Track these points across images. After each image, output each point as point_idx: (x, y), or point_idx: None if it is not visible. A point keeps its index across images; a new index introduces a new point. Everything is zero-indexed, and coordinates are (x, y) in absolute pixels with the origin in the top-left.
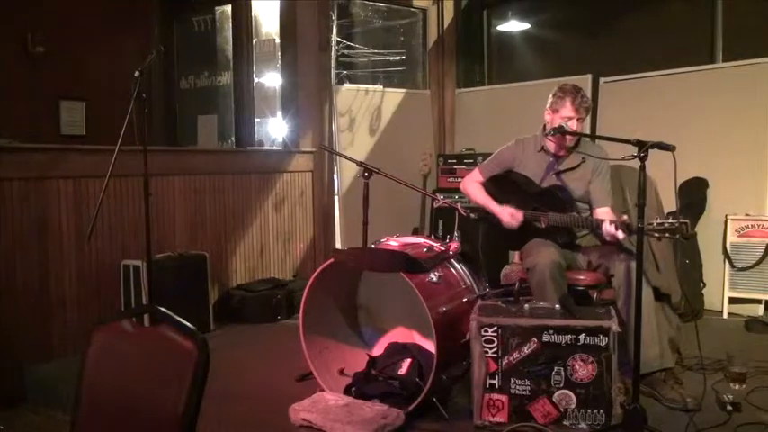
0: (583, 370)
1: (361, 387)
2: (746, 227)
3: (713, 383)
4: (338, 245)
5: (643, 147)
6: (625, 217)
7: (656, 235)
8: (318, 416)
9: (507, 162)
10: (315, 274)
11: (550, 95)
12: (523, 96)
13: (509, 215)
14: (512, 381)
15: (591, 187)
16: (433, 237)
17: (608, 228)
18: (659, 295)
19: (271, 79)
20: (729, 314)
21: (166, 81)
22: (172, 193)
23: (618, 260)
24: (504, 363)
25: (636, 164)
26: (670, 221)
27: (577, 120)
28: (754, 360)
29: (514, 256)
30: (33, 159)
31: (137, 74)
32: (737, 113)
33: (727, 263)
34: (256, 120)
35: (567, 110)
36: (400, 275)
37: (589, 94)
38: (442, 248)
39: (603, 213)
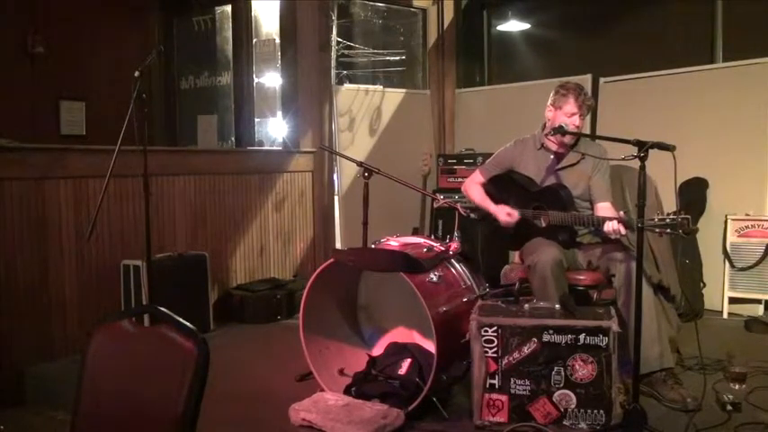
0: (583, 370)
1: (361, 387)
2: (746, 227)
3: (713, 383)
4: (338, 245)
5: (643, 147)
6: (622, 213)
7: (657, 230)
8: (318, 416)
9: (507, 162)
10: (315, 274)
11: (552, 93)
12: (523, 96)
13: (505, 214)
14: (512, 381)
15: (591, 183)
16: (432, 237)
17: (608, 224)
18: (659, 290)
19: (271, 79)
20: (729, 314)
21: (166, 81)
22: (172, 193)
23: (618, 260)
24: (504, 363)
25: (636, 164)
26: (671, 217)
27: (579, 116)
28: (754, 360)
29: (514, 256)
30: (33, 159)
31: (137, 74)
32: (737, 113)
33: (727, 263)
34: (256, 120)
35: (571, 106)
36: (400, 275)
37: (589, 94)
38: (442, 248)
39: (605, 209)
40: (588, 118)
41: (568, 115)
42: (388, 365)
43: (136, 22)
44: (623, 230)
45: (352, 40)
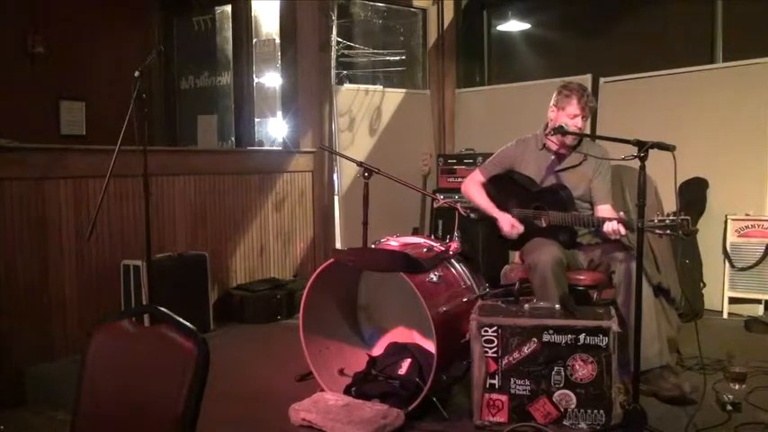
0: (583, 370)
1: (361, 387)
2: (746, 227)
3: (713, 383)
4: (338, 245)
5: (643, 147)
6: (622, 214)
7: (658, 232)
8: (318, 416)
9: (508, 162)
10: (315, 274)
11: (555, 93)
12: (523, 96)
13: (509, 225)
14: (512, 381)
15: (592, 185)
16: (432, 237)
17: (608, 224)
18: (660, 292)
19: (271, 79)
20: (729, 314)
21: (166, 81)
22: (172, 193)
23: (619, 259)
24: (504, 363)
25: (636, 164)
26: (671, 218)
27: (582, 118)
28: (754, 360)
29: (514, 255)
30: (33, 159)
31: (137, 74)
32: (737, 113)
33: (727, 263)
34: (256, 120)
35: (574, 107)
36: (400, 275)
37: (592, 96)
38: (442, 248)
39: (605, 211)
40: (589, 118)
41: (571, 117)
42: (388, 365)
43: (136, 22)
44: (623, 231)
45: (352, 40)
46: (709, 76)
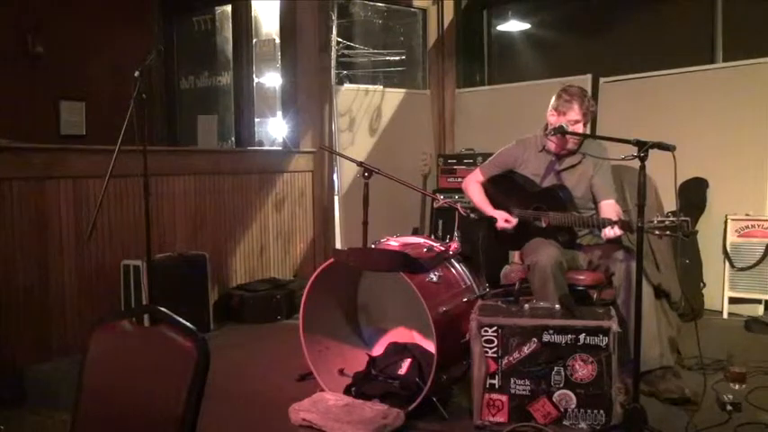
0: (583, 370)
1: (361, 387)
2: (746, 227)
3: (713, 383)
4: (338, 245)
5: (643, 147)
6: (621, 214)
7: (657, 232)
8: (318, 416)
9: (508, 163)
10: (315, 275)
11: (554, 97)
12: (523, 96)
13: (503, 220)
14: (512, 381)
15: (594, 181)
16: (432, 237)
17: (608, 230)
18: (659, 293)
19: (271, 79)
20: (729, 314)
21: (166, 81)
22: (172, 193)
23: (619, 259)
24: (504, 363)
25: (636, 164)
26: (671, 219)
27: (583, 124)
28: (754, 360)
29: (514, 255)
30: (33, 159)
31: (137, 74)
32: (737, 113)
33: (727, 263)
34: (256, 120)
35: (575, 113)
36: (400, 275)
37: (592, 100)
38: (442, 248)
39: (608, 206)
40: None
41: (572, 123)
42: (388, 365)
43: (136, 22)
44: (619, 231)
45: (352, 40)
46: (709, 76)
